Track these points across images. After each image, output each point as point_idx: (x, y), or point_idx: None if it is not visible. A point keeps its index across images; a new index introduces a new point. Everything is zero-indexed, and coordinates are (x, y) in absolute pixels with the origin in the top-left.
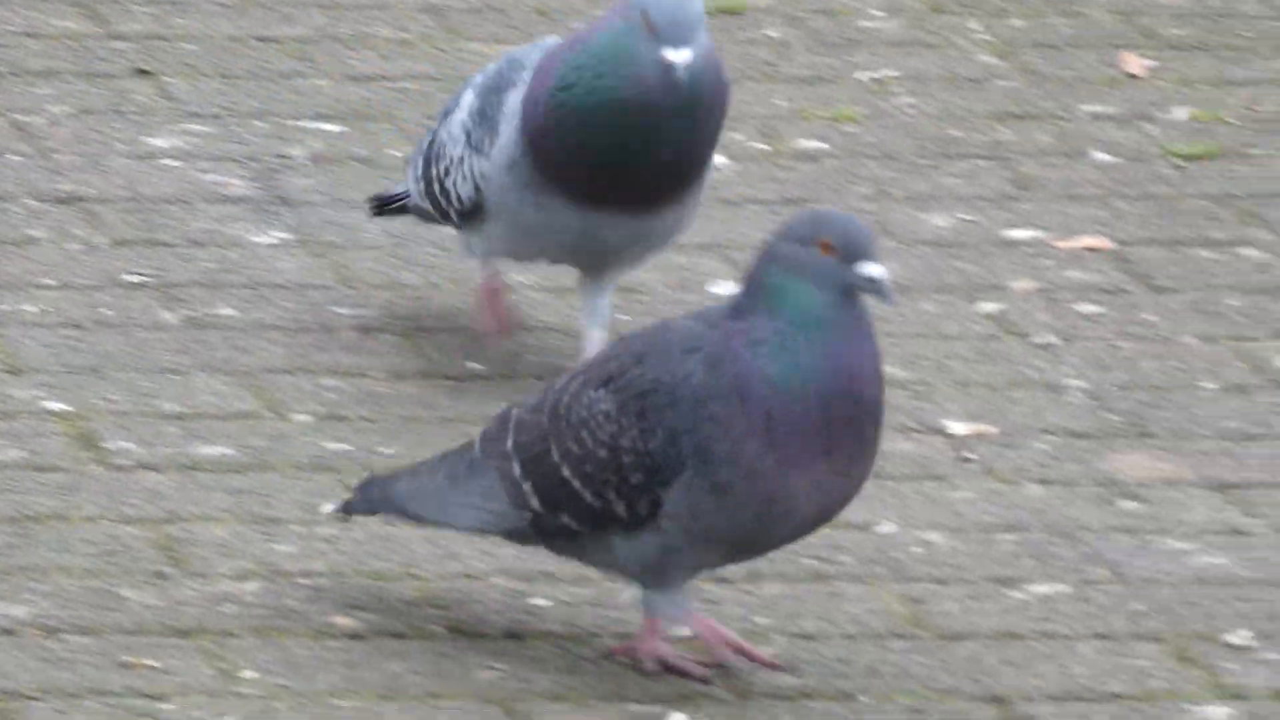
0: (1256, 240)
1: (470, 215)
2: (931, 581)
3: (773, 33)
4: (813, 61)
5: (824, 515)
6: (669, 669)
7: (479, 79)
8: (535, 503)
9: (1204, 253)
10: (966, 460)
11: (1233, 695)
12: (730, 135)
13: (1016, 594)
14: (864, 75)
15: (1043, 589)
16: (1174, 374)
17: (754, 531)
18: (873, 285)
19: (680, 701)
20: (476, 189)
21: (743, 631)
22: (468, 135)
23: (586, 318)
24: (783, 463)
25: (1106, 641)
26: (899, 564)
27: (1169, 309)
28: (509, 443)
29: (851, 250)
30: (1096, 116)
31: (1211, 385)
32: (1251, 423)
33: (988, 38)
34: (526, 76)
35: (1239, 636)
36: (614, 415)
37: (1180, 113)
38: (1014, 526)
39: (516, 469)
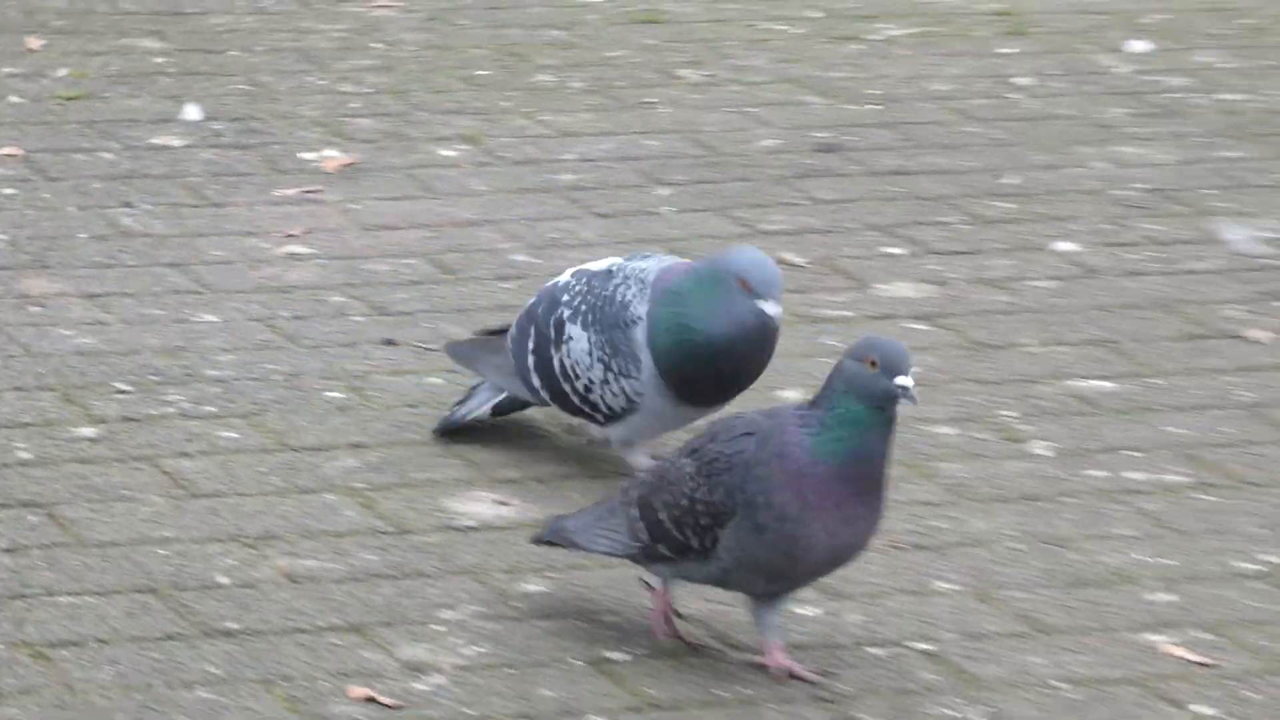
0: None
1: (616, 416)
2: None
3: None
4: None
5: (836, 559)
6: (794, 676)
7: (584, 310)
8: (644, 536)
9: (79, 157)
10: None
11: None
12: None
13: None
14: None
15: None
16: (59, 231)
17: (783, 564)
18: (904, 393)
19: None
20: (630, 400)
21: None
22: (605, 364)
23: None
24: (804, 509)
25: None
26: None
27: (58, 191)
28: (634, 494)
29: (890, 366)
30: (13, 75)
31: (84, 236)
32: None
33: None
34: (639, 313)
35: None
36: (692, 476)
37: (62, 72)
38: None
39: (635, 513)
